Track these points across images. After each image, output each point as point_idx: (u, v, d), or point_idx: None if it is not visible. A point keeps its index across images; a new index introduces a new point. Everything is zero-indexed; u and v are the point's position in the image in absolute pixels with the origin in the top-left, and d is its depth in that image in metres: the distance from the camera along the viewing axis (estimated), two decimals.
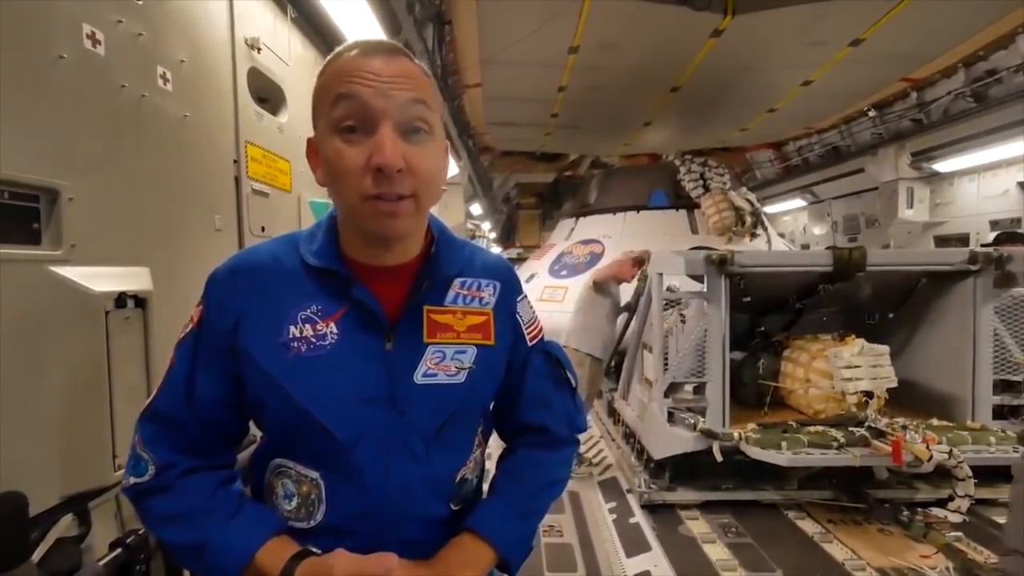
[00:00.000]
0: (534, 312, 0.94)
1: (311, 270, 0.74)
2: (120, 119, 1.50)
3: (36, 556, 1.18)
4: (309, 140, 0.75)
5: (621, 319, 4.50)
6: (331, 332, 0.72)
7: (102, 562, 1.24)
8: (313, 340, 0.71)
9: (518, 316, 0.87)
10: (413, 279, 0.77)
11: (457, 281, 0.81)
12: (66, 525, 1.26)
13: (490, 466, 0.94)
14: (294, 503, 0.74)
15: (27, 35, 1.23)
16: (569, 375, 0.94)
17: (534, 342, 0.90)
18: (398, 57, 0.70)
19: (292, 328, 0.71)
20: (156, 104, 1.64)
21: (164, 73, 1.68)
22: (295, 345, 0.71)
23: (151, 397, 0.77)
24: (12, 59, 1.19)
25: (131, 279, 1.44)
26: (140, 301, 1.44)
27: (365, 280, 0.74)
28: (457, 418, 0.78)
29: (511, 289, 0.87)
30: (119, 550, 1.26)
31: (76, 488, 1.28)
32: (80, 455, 1.27)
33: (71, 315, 1.27)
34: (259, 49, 2.25)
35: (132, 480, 0.74)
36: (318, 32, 2.83)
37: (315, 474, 0.73)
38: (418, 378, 0.74)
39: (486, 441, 0.92)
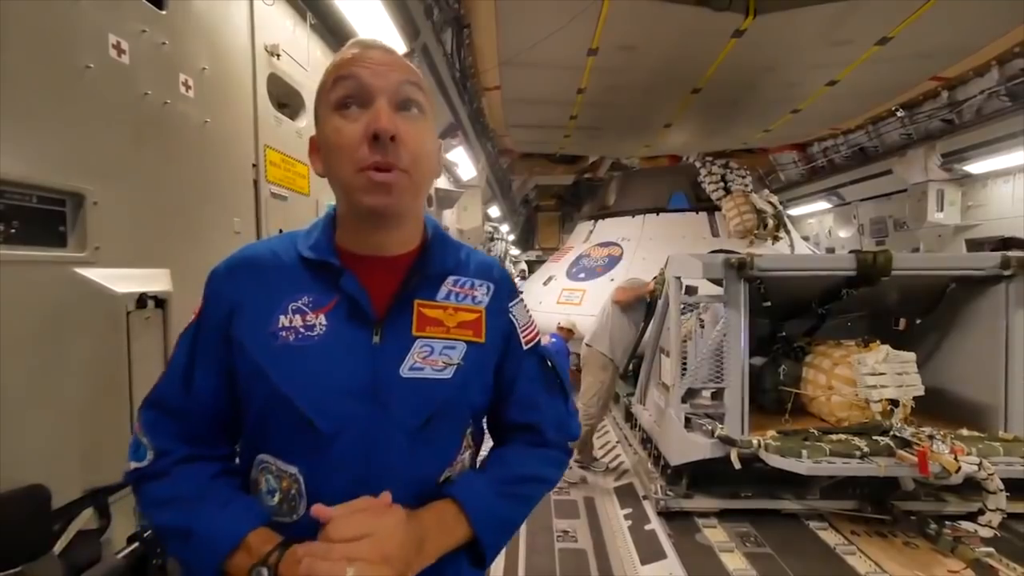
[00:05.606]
0: (531, 317, 0.93)
1: (306, 263, 0.77)
2: (143, 125, 1.55)
3: (58, 548, 1.21)
4: (312, 139, 0.79)
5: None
6: (320, 323, 0.74)
7: (121, 555, 1.28)
8: (302, 330, 0.73)
9: (512, 317, 0.86)
10: (406, 273, 0.78)
11: (451, 279, 0.81)
12: (87, 518, 1.30)
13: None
14: (276, 498, 0.74)
15: (55, 46, 1.28)
16: (563, 381, 0.94)
17: (529, 346, 0.88)
18: (393, 53, 0.76)
19: (282, 318, 0.74)
20: (178, 110, 1.69)
21: (186, 80, 1.73)
22: (283, 334, 0.73)
23: (154, 385, 0.80)
24: (41, 69, 1.24)
25: (152, 280, 1.49)
26: (160, 302, 1.49)
27: (359, 272, 0.76)
28: (443, 415, 0.77)
29: (505, 291, 0.86)
30: (137, 544, 1.30)
31: (97, 482, 1.31)
32: (101, 450, 1.31)
33: (94, 315, 1.31)
34: (279, 55, 2.30)
35: (132, 464, 0.76)
36: (337, 37, 2.87)
37: (294, 469, 0.73)
38: (404, 371, 0.74)
39: (477, 447, 0.90)
